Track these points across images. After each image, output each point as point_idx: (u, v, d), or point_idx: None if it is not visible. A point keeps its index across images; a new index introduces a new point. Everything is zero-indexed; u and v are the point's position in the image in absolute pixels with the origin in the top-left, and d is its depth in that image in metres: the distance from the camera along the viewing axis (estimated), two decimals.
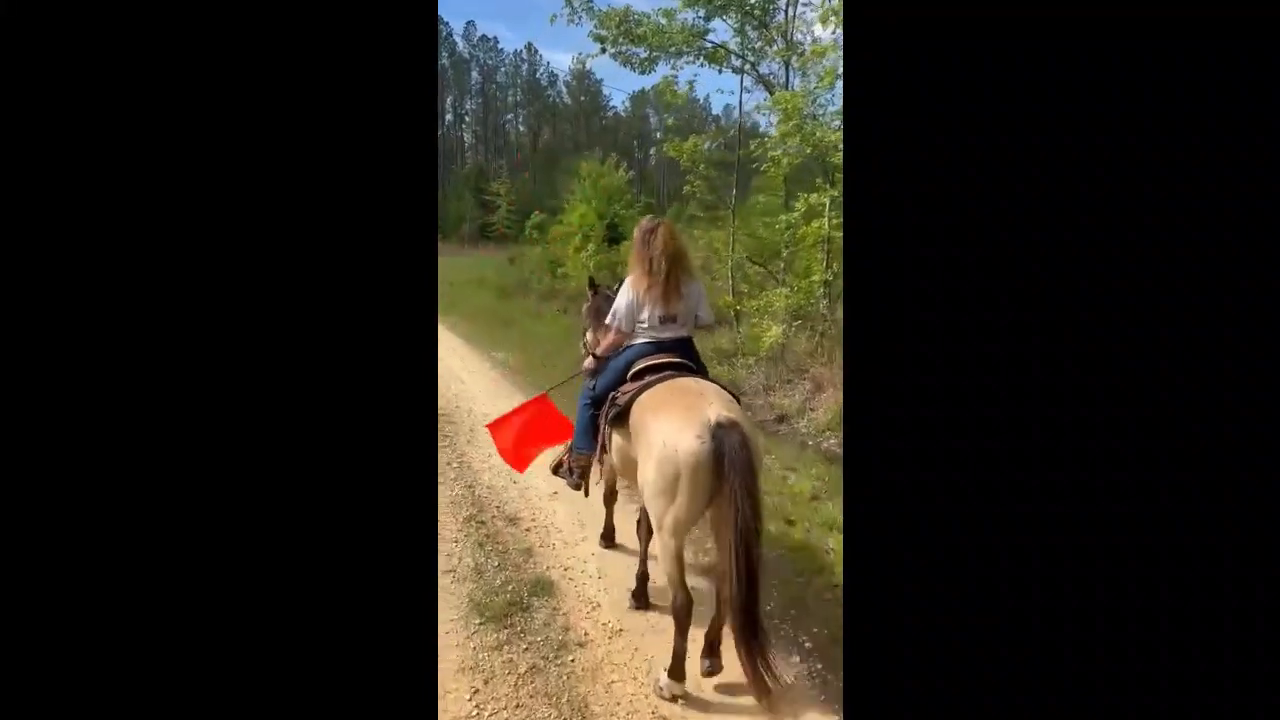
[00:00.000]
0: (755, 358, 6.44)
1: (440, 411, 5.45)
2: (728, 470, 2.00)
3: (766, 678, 1.98)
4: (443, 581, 2.94)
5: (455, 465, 4.40)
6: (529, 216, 18.59)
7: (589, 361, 2.80)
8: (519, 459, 3.13)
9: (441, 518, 3.56)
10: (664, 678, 2.25)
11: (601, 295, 3.12)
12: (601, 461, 2.73)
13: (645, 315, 2.56)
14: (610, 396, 2.54)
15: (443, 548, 3.25)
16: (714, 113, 53.53)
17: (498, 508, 3.75)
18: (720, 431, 2.03)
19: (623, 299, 2.59)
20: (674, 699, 2.24)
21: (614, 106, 52.34)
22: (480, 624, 2.62)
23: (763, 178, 7.88)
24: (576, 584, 2.98)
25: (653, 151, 48.92)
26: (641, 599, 2.77)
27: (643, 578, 2.79)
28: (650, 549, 2.80)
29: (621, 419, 2.42)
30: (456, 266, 17.06)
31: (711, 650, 2.29)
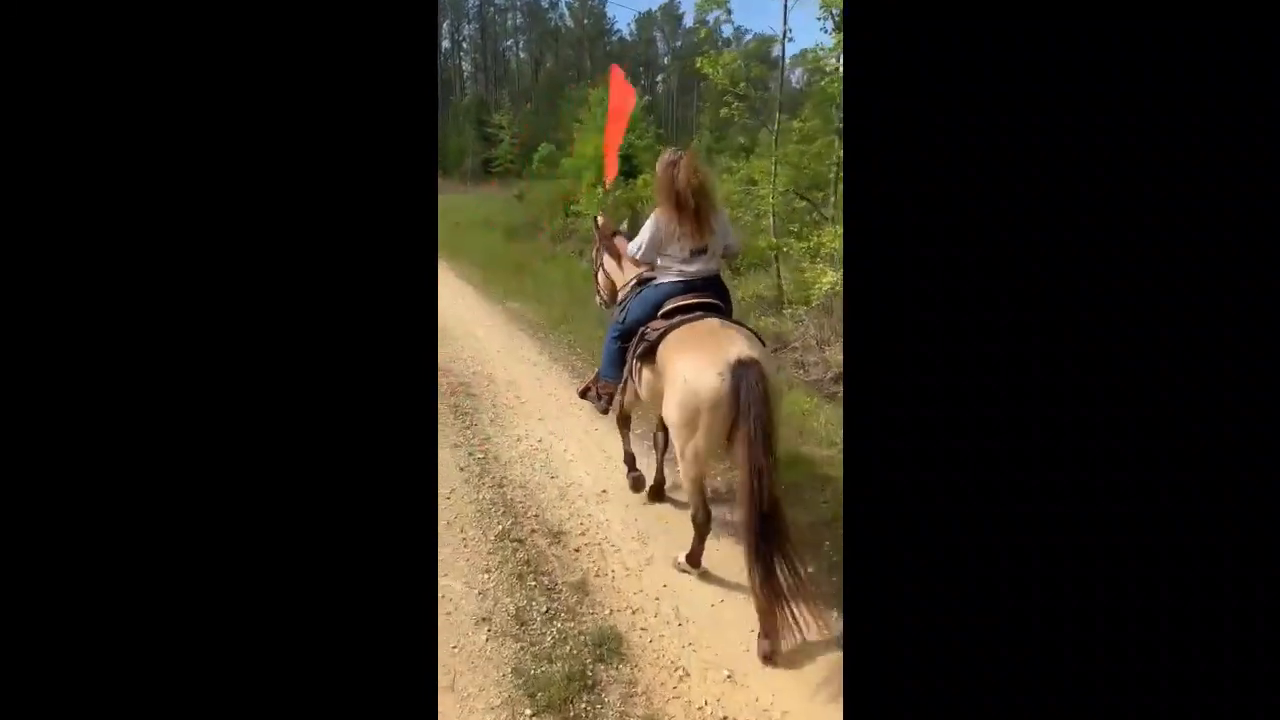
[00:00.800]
0: (805, 307, 5.57)
1: (457, 379, 4.68)
2: (744, 406, 2.10)
3: (779, 617, 2.07)
4: (477, 638, 2.23)
5: (480, 455, 3.64)
6: (536, 149, 17.41)
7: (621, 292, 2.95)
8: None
9: (469, 533, 2.84)
10: (682, 559, 2.59)
11: (611, 234, 3.20)
12: (624, 392, 2.83)
13: (674, 249, 2.58)
14: (640, 331, 2.61)
15: (475, 581, 2.53)
16: (724, 35, 50.68)
17: (536, 516, 3.01)
18: (739, 369, 2.14)
19: (647, 231, 2.60)
20: (685, 572, 2.57)
21: (619, 30, 49.54)
22: (534, 717, 1.89)
23: (806, 96, 6.81)
24: (652, 636, 2.26)
25: (660, 79, 46.50)
26: (658, 494, 3.12)
27: (630, 458, 3.22)
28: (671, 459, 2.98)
29: (650, 355, 2.51)
30: (460, 206, 16.12)
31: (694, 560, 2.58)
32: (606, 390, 2.98)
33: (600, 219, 3.32)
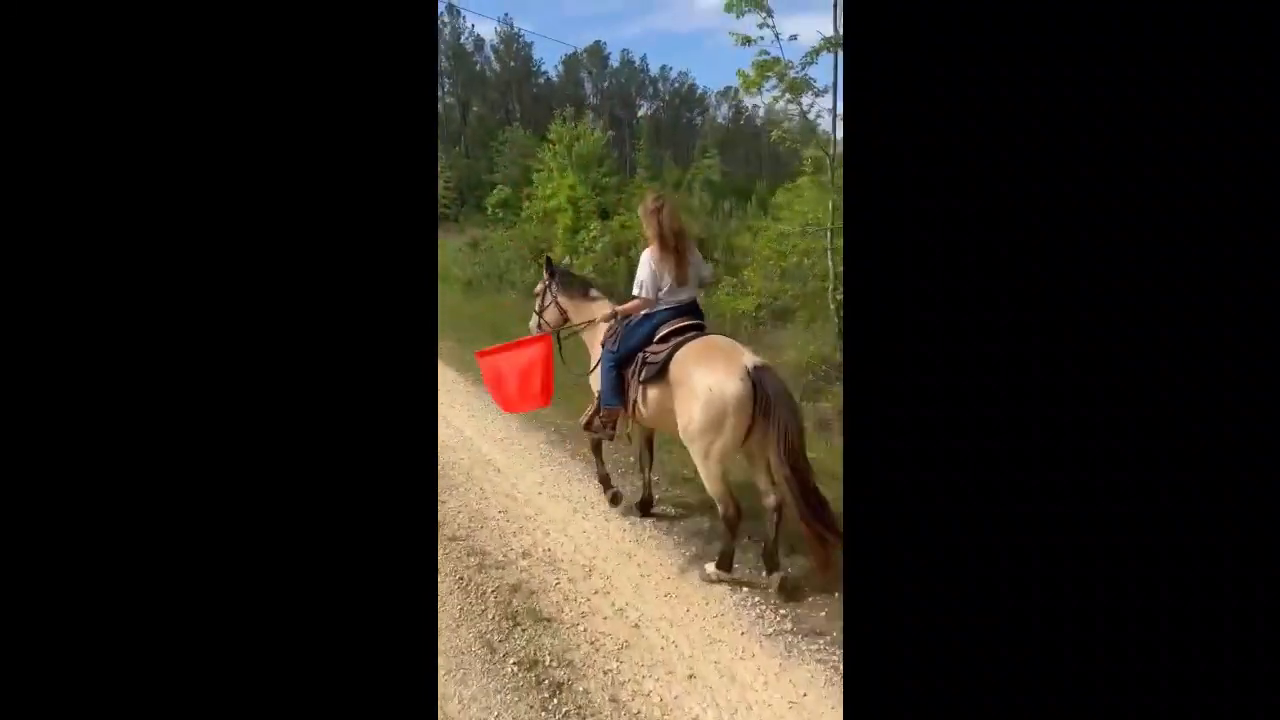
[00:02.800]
0: None
1: (506, 581, 2.68)
2: (773, 403, 2.53)
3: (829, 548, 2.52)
4: None
5: None
6: (491, 192, 15.39)
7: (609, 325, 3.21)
8: (507, 401, 3.39)
9: None
10: (711, 568, 2.81)
11: (562, 273, 3.60)
12: (633, 415, 3.08)
13: (664, 283, 2.96)
14: (640, 358, 2.96)
15: None
16: (650, 74, 50.11)
17: None
18: (757, 373, 2.57)
19: (645, 270, 2.97)
20: (719, 581, 2.78)
21: (546, 72, 47.92)
22: None
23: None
24: None
25: (591, 119, 45.15)
26: (646, 509, 3.40)
27: (647, 501, 3.41)
28: (652, 475, 3.47)
29: (658, 376, 2.86)
30: None
31: (771, 563, 2.73)
32: (610, 418, 3.19)
33: (550, 266, 3.59)
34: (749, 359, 2.61)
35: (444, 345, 6.84)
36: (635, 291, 3.01)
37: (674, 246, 2.90)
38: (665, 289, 2.95)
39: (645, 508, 3.40)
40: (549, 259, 3.72)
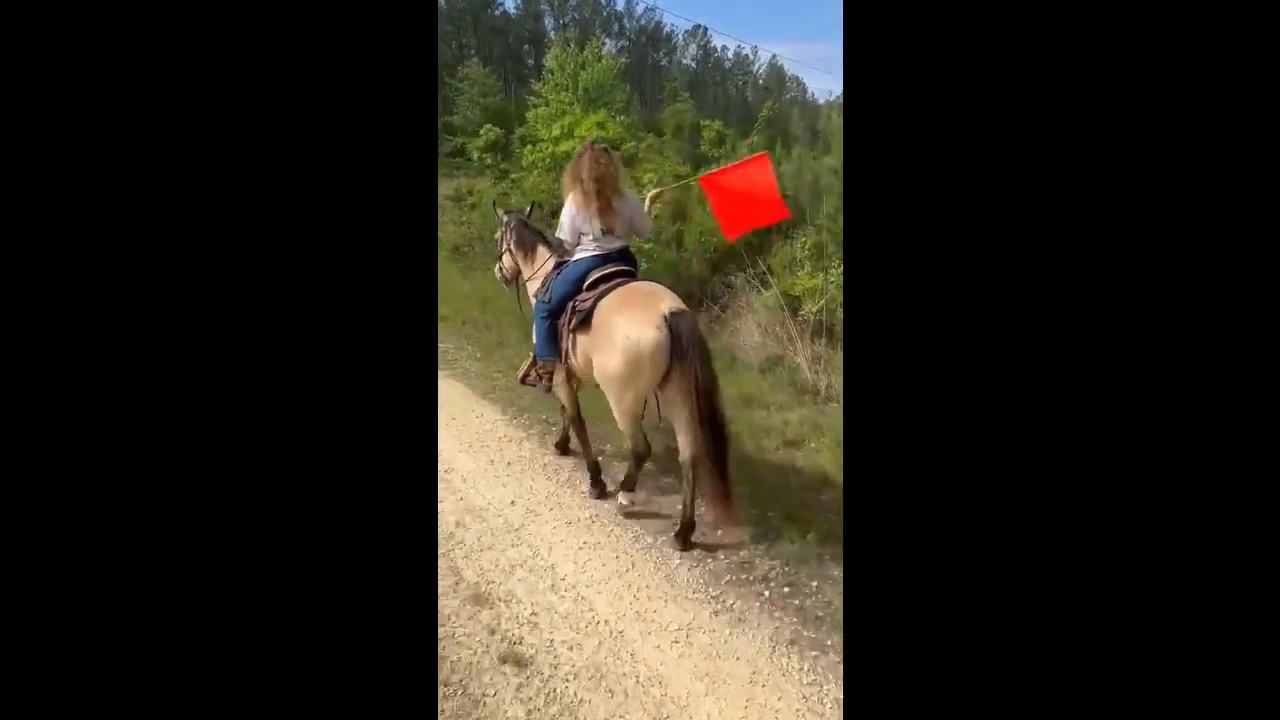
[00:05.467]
0: None
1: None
2: (685, 348, 2.56)
3: (732, 509, 2.62)
4: None
5: None
6: (463, 135, 12.71)
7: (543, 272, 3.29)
8: (733, 224, 3.20)
9: None
10: (622, 495, 2.99)
11: (515, 219, 3.54)
12: (567, 365, 3.06)
13: (589, 229, 2.98)
14: (570, 306, 2.95)
15: None
16: (616, 8, 46.30)
17: None
18: (673, 319, 2.60)
19: (566, 216, 3.02)
20: (631, 504, 2.96)
21: (503, 4, 43.44)
22: None
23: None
24: None
25: (601, 41, 41.84)
26: (599, 486, 3.20)
27: (594, 467, 3.22)
28: (584, 437, 3.34)
29: (585, 323, 2.86)
30: None
31: (685, 515, 2.79)
32: (546, 370, 3.17)
33: (506, 211, 3.64)
34: (667, 305, 2.63)
35: (444, 346, 4.54)
36: (558, 235, 3.07)
37: (595, 194, 2.87)
38: (591, 236, 2.96)
39: (562, 447, 3.50)
40: (494, 204, 3.80)
